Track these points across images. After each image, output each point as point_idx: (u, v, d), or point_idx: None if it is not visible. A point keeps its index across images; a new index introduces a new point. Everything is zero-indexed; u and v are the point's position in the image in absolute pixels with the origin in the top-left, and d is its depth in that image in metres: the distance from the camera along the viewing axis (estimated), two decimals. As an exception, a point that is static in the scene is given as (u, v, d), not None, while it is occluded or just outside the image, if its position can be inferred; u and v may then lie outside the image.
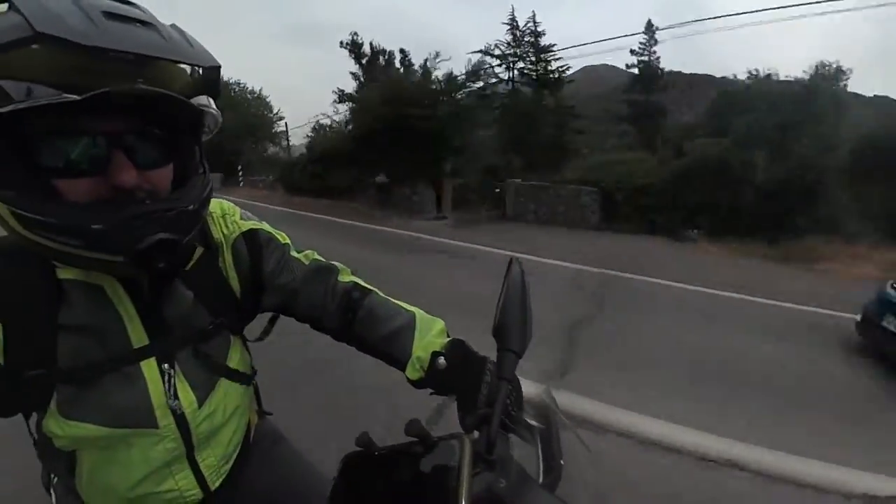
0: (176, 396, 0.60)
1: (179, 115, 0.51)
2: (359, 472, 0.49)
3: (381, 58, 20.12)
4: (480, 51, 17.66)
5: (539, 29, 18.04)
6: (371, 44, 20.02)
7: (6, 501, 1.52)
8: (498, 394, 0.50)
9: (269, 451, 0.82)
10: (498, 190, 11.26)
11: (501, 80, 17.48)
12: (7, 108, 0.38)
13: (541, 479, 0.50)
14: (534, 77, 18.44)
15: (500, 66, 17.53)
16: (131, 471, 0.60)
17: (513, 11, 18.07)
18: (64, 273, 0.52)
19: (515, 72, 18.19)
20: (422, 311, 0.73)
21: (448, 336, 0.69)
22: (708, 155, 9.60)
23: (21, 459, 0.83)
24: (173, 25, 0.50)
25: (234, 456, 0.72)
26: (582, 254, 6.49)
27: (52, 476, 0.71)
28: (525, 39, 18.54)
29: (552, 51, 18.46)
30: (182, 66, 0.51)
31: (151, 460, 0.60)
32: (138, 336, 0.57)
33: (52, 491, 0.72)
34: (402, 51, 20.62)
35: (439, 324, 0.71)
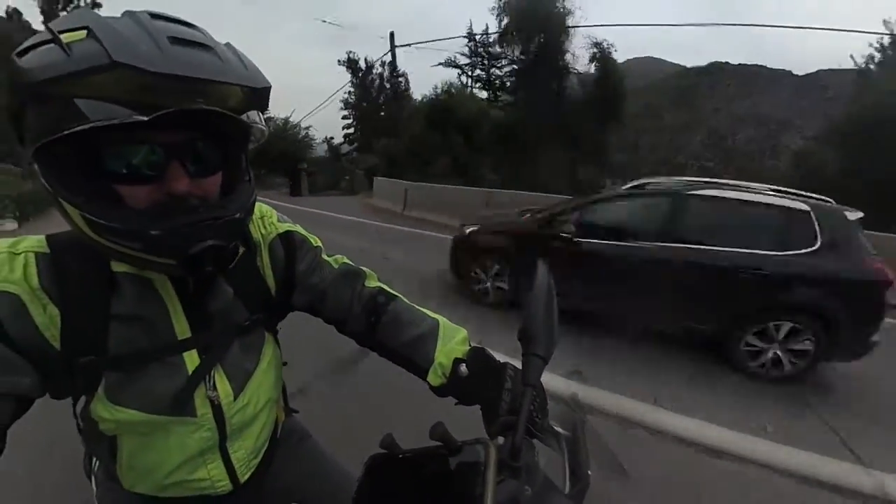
0: (214, 387, 0.64)
1: (230, 128, 0.55)
2: (383, 474, 0.50)
3: (372, 72, 27.22)
4: (442, 63, 22.23)
5: (490, 39, 21.98)
6: (365, 59, 27.40)
7: (50, 491, 1.64)
8: (523, 400, 0.50)
9: (295, 447, 0.86)
10: (348, 177, 21.83)
11: (465, 86, 22.38)
12: (85, 126, 0.43)
13: (567, 489, 0.49)
14: (486, 83, 22.57)
15: (461, 74, 22.68)
16: (168, 457, 0.64)
17: (470, 25, 22.35)
18: (117, 266, 0.57)
19: (471, 79, 22.92)
20: (445, 320, 0.74)
21: (470, 345, 0.70)
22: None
23: (62, 453, 0.90)
24: (228, 45, 0.54)
25: (263, 450, 0.76)
26: (318, 203, 11.50)
27: (94, 462, 0.76)
28: (479, 49, 22.79)
29: (503, 57, 22.14)
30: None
31: (187, 448, 0.64)
32: (182, 328, 0.61)
33: (92, 477, 0.78)
34: (391, 64, 25.74)
35: (462, 332, 0.72)
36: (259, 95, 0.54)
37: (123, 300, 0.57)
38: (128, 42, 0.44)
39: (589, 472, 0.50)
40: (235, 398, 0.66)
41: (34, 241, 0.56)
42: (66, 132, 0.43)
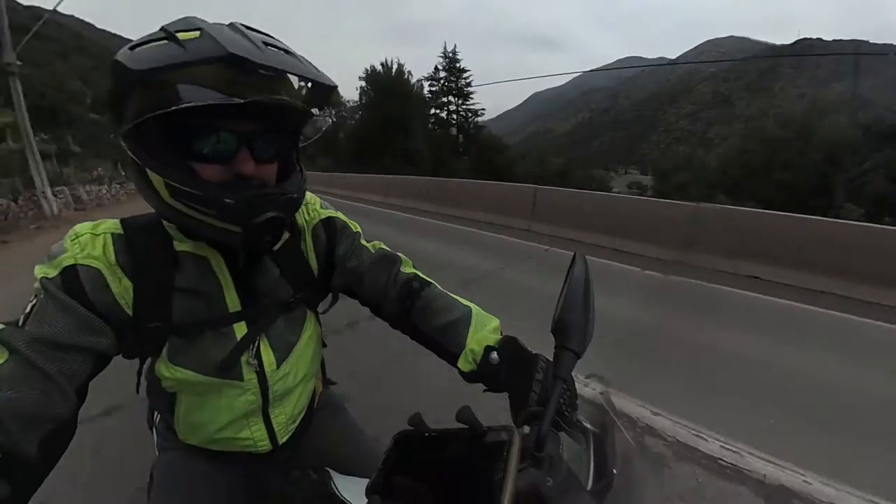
0: (257, 356, 0.71)
1: (290, 122, 0.64)
2: (409, 450, 0.52)
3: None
4: (425, 78, 31.28)
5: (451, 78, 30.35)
6: (383, 63, 32.43)
7: (118, 442, 1.89)
8: (552, 392, 0.51)
9: (330, 417, 0.93)
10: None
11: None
12: (191, 105, 0.51)
13: (590, 485, 0.50)
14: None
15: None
16: (218, 416, 0.72)
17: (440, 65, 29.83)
18: (179, 245, 0.65)
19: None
20: (478, 308, 0.76)
21: (502, 334, 0.71)
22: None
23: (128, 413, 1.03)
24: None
25: (301, 417, 0.83)
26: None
27: (156, 415, 0.87)
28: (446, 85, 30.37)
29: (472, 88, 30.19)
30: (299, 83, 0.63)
31: (234, 409, 0.72)
32: (233, 302, 0.69)
33: (154, 429, 0.89)
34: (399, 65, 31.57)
35: (494, 321, 0.73)
36: (326, 94, 0.62)
37: (184, 275, 0.65)
38: (237, 41, 0.53)
39: (615, 471, 0.50)
40: (278, 367, 0.73)
41: (111, 224, 0.64)
42: (173, 108, 0.51)
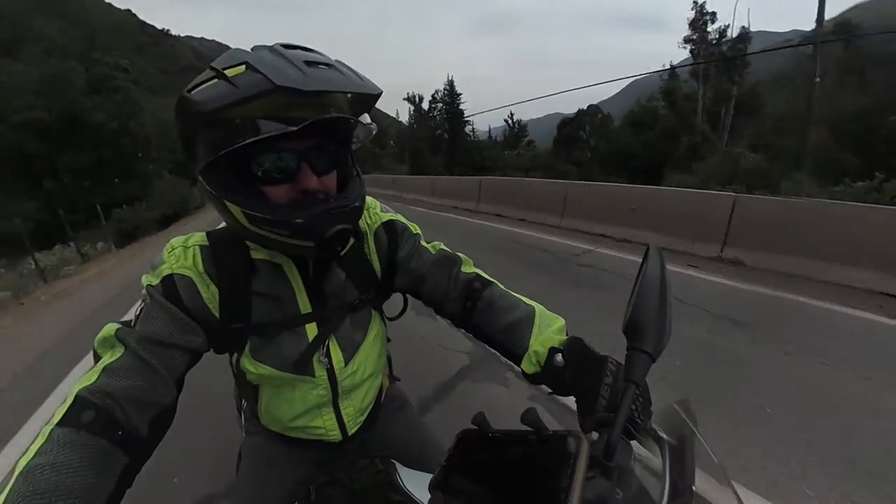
0: (327, 354, 0.78)
1: (346, 132, 0.67)
2: (472, 449, 0.52)
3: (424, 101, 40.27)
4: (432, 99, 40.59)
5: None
6: (418, 95, 41.59)
7: (215, 420, 2.14)
8: (624, 397, 0.48)
9: (395, 412, 0.99)
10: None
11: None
12: (251, 140, 0.55)
13: (664, 503, 0.47)
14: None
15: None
16: (293, 407, 0.81)
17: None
18: (255, 254, 0.72)
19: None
20: (542, 307, 0.76)
21: (567, 335, 0.70)
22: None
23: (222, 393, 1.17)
24: (340, 62, 0.64)
25: (368, 410, 0.89)
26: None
27: (243, 402, 0.99)
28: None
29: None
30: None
31: (307, 401, 0.80)
32: (304, 304, 0.76)
33: (241, 413, 1.02)
34: (433, 96, 39.66)
35: (559, 321, 0.72)
36: (369, 101, 0.64)
37: (261, 281, 0.73)
38: (281, 69, 0.55)
39: (693, 489, 0.47)
40: (346, 364, 0.80)
41: (199, 237, 0.73)
42: (237, 145, 0.55)
